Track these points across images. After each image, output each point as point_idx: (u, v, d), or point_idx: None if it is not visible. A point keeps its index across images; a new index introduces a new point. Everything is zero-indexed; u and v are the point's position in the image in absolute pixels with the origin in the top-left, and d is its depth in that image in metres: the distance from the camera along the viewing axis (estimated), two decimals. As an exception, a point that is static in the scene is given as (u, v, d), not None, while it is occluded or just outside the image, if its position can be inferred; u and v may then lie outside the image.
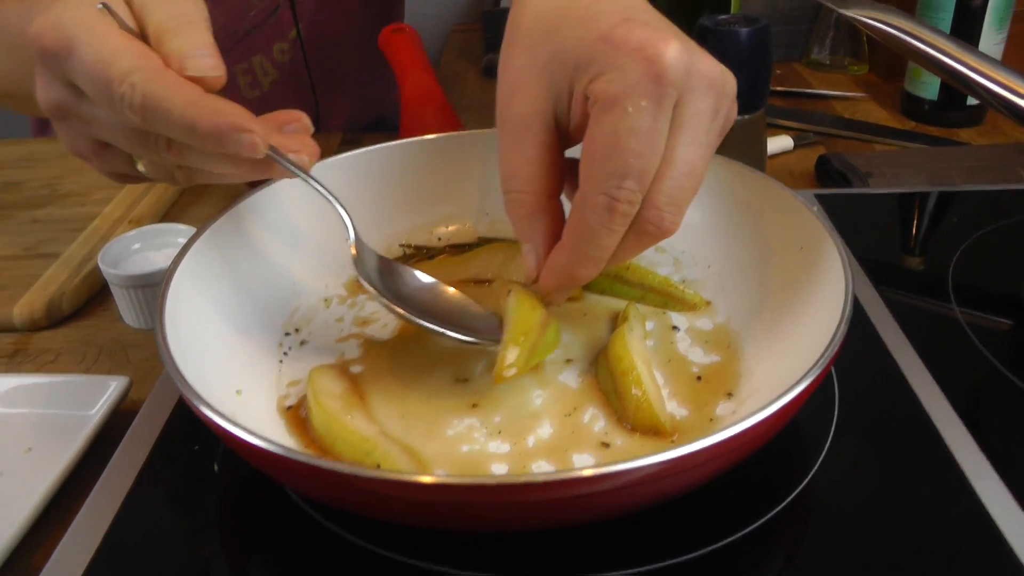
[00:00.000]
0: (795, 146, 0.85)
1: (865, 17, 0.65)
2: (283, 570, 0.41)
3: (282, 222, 0.54)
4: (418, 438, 0.43)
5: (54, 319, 0.63)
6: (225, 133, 0.40)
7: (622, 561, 0.39)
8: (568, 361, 0.48)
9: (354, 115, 1.03)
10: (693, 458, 0.33)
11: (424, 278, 0.50)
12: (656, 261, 0.57)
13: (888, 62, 1.03)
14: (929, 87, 0.90)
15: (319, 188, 0.47)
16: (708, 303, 0.53)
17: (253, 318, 0.50)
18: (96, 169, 0.49)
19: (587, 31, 0.40)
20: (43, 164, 0.86)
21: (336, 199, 0.47)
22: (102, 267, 0.60)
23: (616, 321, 0.51)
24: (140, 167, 0.47)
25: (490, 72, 1.15)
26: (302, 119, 0.47)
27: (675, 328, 0.51)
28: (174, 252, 0.50)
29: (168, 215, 0.76)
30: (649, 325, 0.51)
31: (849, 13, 0.66)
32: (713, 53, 0.66)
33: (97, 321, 0.63)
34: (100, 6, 0.42)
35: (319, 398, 0.44)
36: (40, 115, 0.49)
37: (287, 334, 0.52)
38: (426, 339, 0.50)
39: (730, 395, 0.46)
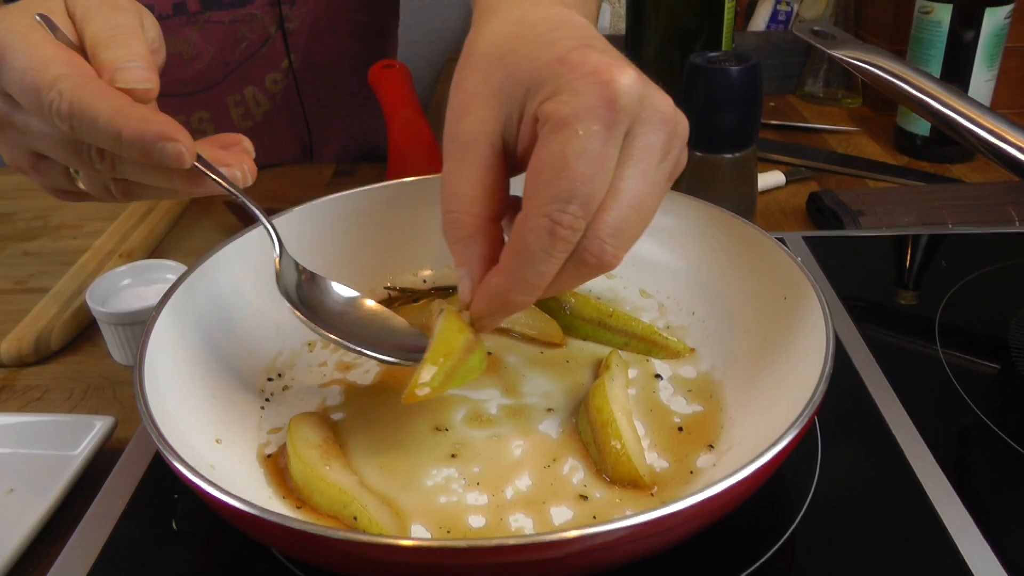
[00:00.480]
0: (787, 182, 0.85)
1: (854, 59, 0.65)
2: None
3: (267, 265, 0.54)
4: (396, 489, 0.43)
5: (42, 355, 0.62)
6: (150, 141, 0.40)
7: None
8: (549, 410, 0.48)
9: (348, 144, 1.04)
10: (670, 519, 0.33)
11: (345, 292, 0.49)
12: (641, 306, 0.57)
13: (881, 96, 1.03)
14: (921, 123, 0.90)
15: (248, 204, 0.46)
16: (692, 350, 0.53)
17: (236, 363, 0.50)
18: (36, 184, 0.49)
19: (543, 53, 0.39)
20: (36, 194, 0.85)
21: (263, 215, 0.47)
22: (90, 304, 0.60)
23: (599, 368, 0.51)
24: (79, 183, 0.47)
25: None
26: (242, 142, 0.47)
27: (658, 376, 0.51)
28: (164, 288, 0.50)
29: (159, 248, 0.76)
30: (632, 373, 0.51)
31: (838, 54, 0.66)
32: (703, 91, 0.67)
33: (86, 357, 0.63)
34: (38, 17, 0.43)
35: (297, 448, 0.44)
36: None
37: (269, 379, 0.52)
38: (406, 386, 0.50)
39: (711, 447, 0.45)
